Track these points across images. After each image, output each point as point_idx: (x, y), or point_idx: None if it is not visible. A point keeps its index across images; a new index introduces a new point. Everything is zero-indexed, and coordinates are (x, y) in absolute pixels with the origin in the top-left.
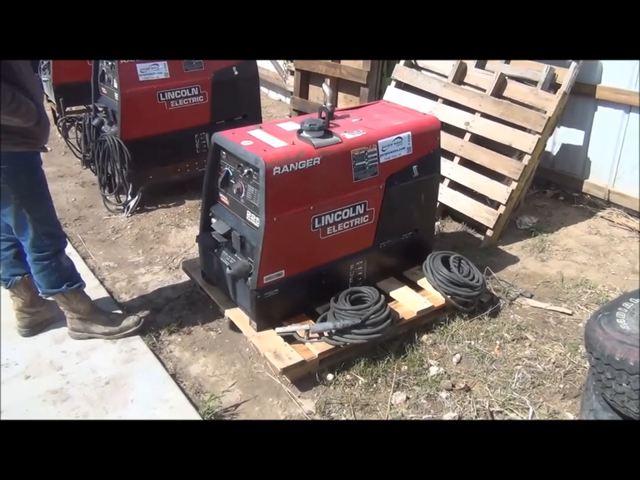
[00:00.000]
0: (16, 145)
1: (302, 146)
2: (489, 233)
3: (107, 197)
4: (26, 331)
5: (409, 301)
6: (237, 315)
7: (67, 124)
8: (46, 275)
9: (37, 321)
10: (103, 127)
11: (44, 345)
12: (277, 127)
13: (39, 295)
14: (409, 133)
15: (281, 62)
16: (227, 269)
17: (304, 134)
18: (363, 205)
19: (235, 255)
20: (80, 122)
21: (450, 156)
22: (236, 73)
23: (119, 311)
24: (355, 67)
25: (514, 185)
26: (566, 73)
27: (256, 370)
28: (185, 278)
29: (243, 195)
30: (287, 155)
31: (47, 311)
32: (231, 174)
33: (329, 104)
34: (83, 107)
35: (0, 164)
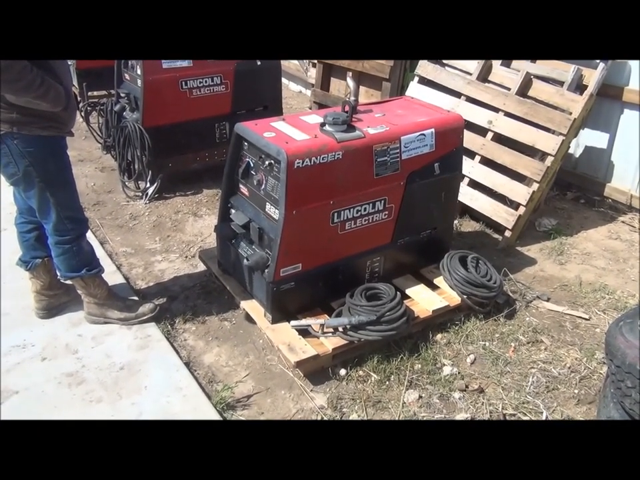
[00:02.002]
0: (44, 128)
1: (324, 139)
2: (508, 233)
3: (126, 183)
4: (43, 313)
5: (424, 300)
6: (252, 306)
7: (89, 109)
8: (66, 259)
9: (54, 304)
10: (124, 113)
11: (60, 328)
12: (300, 119)
13: (58, 278)
14: (433, 129)
15: None
16: (245, 260)
17: (327, 127)
18: (382, 201)
19: (253, 247)
20: (102, 107)
21: (471, 154)
22: (258, 63)
23: (135, 298)
24: (378, 61)
25: (535, 186)
26: (593, 74)
27: (269, 362)
28: (201, 267)
29: (263, 186)
30: (309, 148)
31: (64, 295)
32: (252, 165)
33: (352, 98)
34: (104, 92)
35: (27, 147)
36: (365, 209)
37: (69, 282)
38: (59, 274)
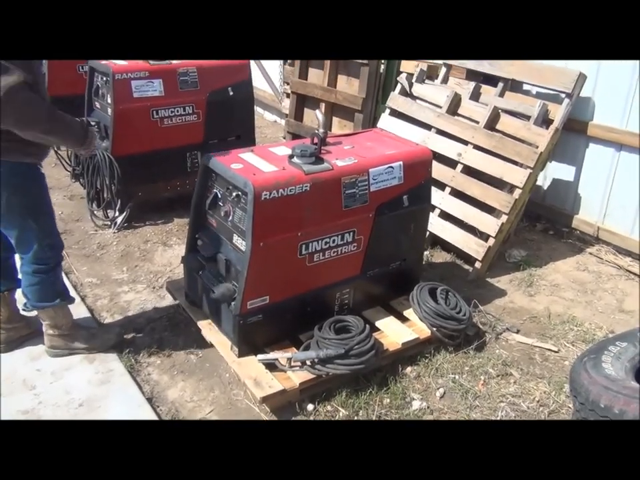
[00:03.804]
0: (26, 155)
1: (292, 171)
2: (478, 265)
3: (95, 212)
4: (2, 347)
5: (394, 332)
6: (218, 339)
7: None
8: (42, 288)
9: (14, 337)
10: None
11: (18, 362)
12: (269, 151)
13: (18, 310)
14: (401, 162)
15: (277, 83)
16: (211, 292)
17: (295, 159)
18: (351, 233)
19: (220, 279)
20: None
21: (441, 186)
22: (231, 93)
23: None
24: (351, 93)
25: (504, 218)
26: (558, 109)
27: (235, 397)
28: (169, 298)
29: (230, 218)
30: (276, 180)
31: (23, 328)
32: (220, 196)
33: (321, 130)
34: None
35: (12, 175)
36: (333, 241)
37: (32, 313)
38: (25, 305)
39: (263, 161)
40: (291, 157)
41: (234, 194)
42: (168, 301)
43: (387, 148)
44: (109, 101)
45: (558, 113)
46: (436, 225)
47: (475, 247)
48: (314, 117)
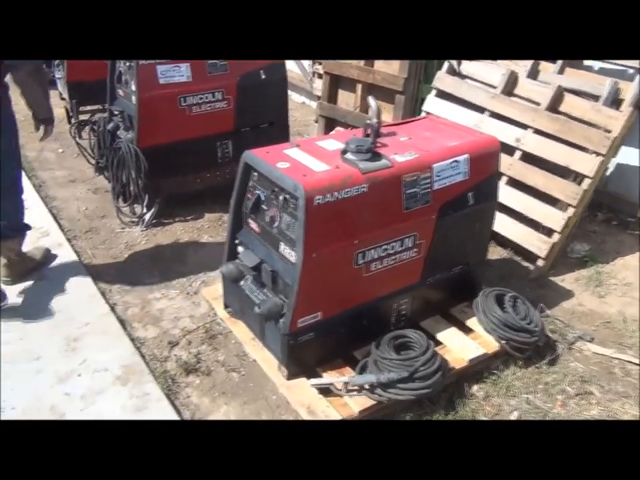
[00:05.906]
0: None
1: (347, 170)
2: (540, 262)
3: (121, 208)
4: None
5: (458, 346)
6: (263, 356)
7: (80, 127)
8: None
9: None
10: (118, 132)
11: (44, 385)
12: (317, 145)
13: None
14: (467, 155)
15: (305, 63)
16: (256, 308)
17: (349, 155)
18: (412, 238)
19: (265, 291)
20: (94, 125)
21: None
22: (263, 76)
23: None
24: (390, 73)
25: (571, 211)
26: (629, 87)
27: None
28: (204, 305)
29: (276, 224)
30: (330, 182)
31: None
32: (263, 199)
33: (375, 120)
34: (98, 107)
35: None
36: (392, 247)
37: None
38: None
39: (313, 159)
40: (344, 152)
41: (281, 197)
42: (204, 308)
43: (448, 138)
44: (133, 88)
45: (629, 91)
46: None
47: (537, 243)
48: (349, 99)
